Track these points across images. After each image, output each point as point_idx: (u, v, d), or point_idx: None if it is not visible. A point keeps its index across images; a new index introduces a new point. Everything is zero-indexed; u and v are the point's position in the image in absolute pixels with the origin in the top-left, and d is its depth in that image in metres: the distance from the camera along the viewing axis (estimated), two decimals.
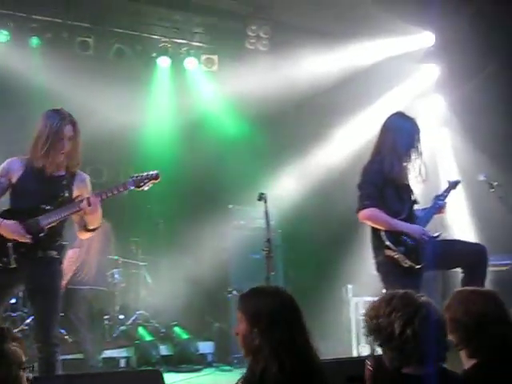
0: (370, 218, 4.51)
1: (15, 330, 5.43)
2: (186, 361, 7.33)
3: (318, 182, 9.09)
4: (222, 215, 8.23)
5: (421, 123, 4.82)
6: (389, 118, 4.79)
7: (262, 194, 5.06)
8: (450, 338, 2.60)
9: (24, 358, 2.28)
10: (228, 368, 7.23)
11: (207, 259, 8.10)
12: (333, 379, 2.51)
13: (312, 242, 9.02)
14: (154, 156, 8.67)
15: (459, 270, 4.69)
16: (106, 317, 7.48)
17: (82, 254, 6.89)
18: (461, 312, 2.62)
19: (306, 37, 8.54)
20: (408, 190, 4.72)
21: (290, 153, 9.29)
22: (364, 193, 4.53)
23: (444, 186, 5.19)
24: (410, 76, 9.28)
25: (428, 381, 2.27)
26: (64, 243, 4.31)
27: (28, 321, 6.52)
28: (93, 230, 4.33)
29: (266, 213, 5.04)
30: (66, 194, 4.22)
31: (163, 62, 8.74)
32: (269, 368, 2.36)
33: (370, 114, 8.90)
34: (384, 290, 4.57)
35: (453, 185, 5.10)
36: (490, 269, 4.67)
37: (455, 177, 6.33)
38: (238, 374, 6.07)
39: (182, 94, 8.93)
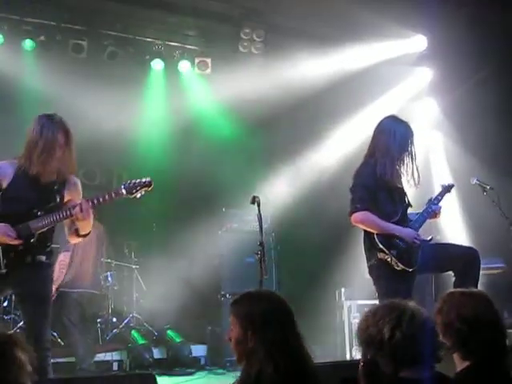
0: (362, 222, 4.52)
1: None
2: (179, 364, 7.32)
3: (311, 185, 9.10)
4: (215, 218, 8.23)
5: (414, 126, 4.84)
6: (382, 121, 4.80)
7: (256, 197, 5.05)
8: (444, 341, 2.61)
9: (30, 368, 2.27)
10: (221, 371, 7.22)
11: (200, 262, 8.09)
12: (327, 382, 2.52)
13: (305, 246, 9.02)
14: (147, 159, 8.67)
15: (451, 273, 4.70)
16: (98, 320, 7.47)
17: (79, 257, 6.88)
18: (453, 316, 2.63)
19: (299, 40, 8.56)
20: (401, 193, 4.73)
21: (283, 156, 9.31)
22: (356, 196, 4.55)
23: (437, 189, 5.21)
24: (403, 79, 9.32)
25: None
26: (54, 248, 4.30)
27: (21, 324, 6.49)
28: (84, 235, 4.31)
29: (259, 216, 5.04)
30: (58, 200, 4.21)
31: (157, 65, 8.73)
32: (264, 369, 2.38)
33: (363, 117, 8.93)
34: (376, 294, 4.59)
35: (447, 189, 5.11)
36: (482, 272, 4.69)
37: (448, 180, 6.35)
38: (230, 377, 6.09)
39: (176, 97, 8.93)
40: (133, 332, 7.62)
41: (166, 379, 6.72)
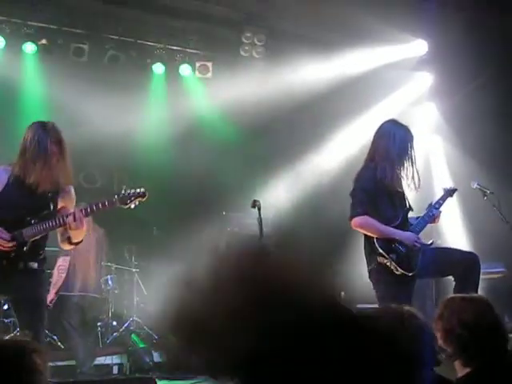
0: (362, 226, 4.52)
1: (7, 337, 5.42)
2: None
3: (312, 189, 9.10)
4: (215, 222, 8.23)
5: (414, 130, 4.84)
6: (382, 125, 4.80)
7: (256, 201, 5.06)
8: (444, 347, 2.61)
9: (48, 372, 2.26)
10: None
11: (201, 266, 8.07)
12: None
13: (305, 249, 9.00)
14: (148, 162, 8.68)
15: (452, 278, 4.70)
16: (98, 323, 7.47)
17: (78, 261, 6.88)
18: (454, 322, 2.62)
19: (300, 44, 8.58)
20: (401, 197, 4.72)
21: (284, 160, 9.31)
22: (356, 200, 4.55)
23: (438, 192, 5.20)
24: (403, 84, 9.34)
25: None
26: (47, 255, 4.29)
27: None
28: (76, 243, 4.30)
29: (260, 220, 5.05)
30: (51, 207, 4.20)
31: (158, 69, 8.75)
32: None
33: (364, 121, 8.94)
34: (376, 298, 4.58)
35: (449, 193, 5.09)
36: (482, 277, 4.68)
37: (448, 184, 6.34)
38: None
39: (177, 101, 8.94)
40: (133, 335, 7.61)
41: (166, 383, 6.71)
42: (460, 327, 2.59)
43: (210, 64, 8.85)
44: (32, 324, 3.99)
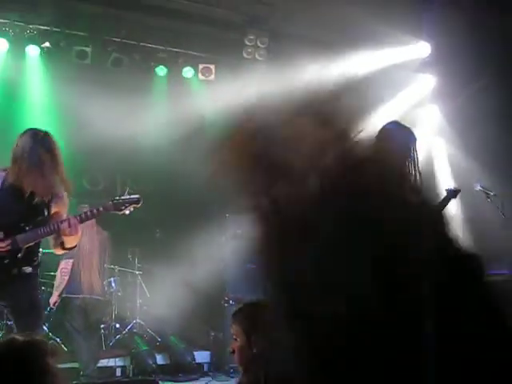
0: None
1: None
2: (182, 370, 7.31)
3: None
4: (218, 224, 8.22)
5: (417, 132, 4.83)
6: (384, 127, 4.80)
7: None
8: None
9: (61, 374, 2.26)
10: (224, 378, 7.21)
11: (204, 268, 8.08)
12: None
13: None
14: (150, 164, 8.68)
15: None
16: (102, 326, 7.46)
17: (82, 263, 6.89)
18: None
19: (303, 46, 8.56)
20: None
21: None
22: None
23: (441, 195, 5.18)
24: (406, 86, 9.33)
25: None
26: (39, 261, 4.29)
27: None
28: (69, 248, 4.31)
29: None
30: (45, 213, 4.20)
31: (160, 71, 8.76)
32: (270, 372, 2.39)
33: (366, 123, 8.92)
34: None
35: (452, 193, 5.05)
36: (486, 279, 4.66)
37: (453, 185, 6.32)
38: (234, 383, 6.07)
39: (180, 103, 8.95)
40: (136, 338, 7.62)
41: None
42: None
43: (212, 66, 8.86)
44: (29, 328, 3.98)
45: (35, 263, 4.18)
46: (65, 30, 8.02)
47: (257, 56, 8.69)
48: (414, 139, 4.73)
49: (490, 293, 0.81)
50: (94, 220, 6.99)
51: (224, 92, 8.58)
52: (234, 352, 2.59)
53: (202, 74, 8.87)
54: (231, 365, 7.08)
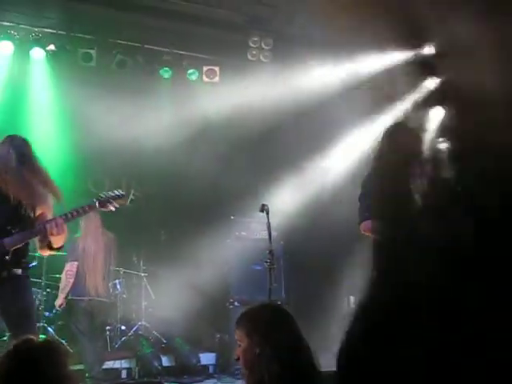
0: (370, 230, 4.51)
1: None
2: (187, 372, 7.32)
3: (319, 193, 9.08)
4: (223, 226, 8.23)
5: (421, 134, 4.82)
6: (388, 129, 4.80)
7: (264, 205, 5.06)
8: None
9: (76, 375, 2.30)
10: (229, 379, 7.21)
11: (209, 270, 8.09)
12: None
13: (314, 254, 8.99)
14: (155, 166, 8.68)
15: None
16: (107, 328, 7.46)
17: (87, 265, 6.90)
18: None
19: (307, 48, 8.57)
20: None
21: (292, 164, 9.29)
22: (364, 205, 4.54)
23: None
24: (411, 87, 9.30)
25: None
26: (28, 263, 4.30)
27: None
28: (57, 248, 4.32)
29: (268, 224, 5.05)
30: (31, 215, 4.22)
31: (165, 73, 8.77)
32: (272, 370, 2.44)
33: (373, 124, 8.92)
34: None
35: None
36: None
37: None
38: None
39: (184, 105, 8.95)
40: (141, 340, 7.62)
41: None
42: None
43: (217, 68, 8.86)
44: (20, 330, 3.94)
45: (24, 264, 4.20)
46: (70, 32, 8.03)
47: (261, 58, 8.69)
48: (420, 140, 4.72)
49: None
50: (99, 222, 7.05)
51: (229, 94, 8.59)
52: (238, 359, 2.61)
53: (207, 76, 8.87)
54: (237, 367, 7.08)
